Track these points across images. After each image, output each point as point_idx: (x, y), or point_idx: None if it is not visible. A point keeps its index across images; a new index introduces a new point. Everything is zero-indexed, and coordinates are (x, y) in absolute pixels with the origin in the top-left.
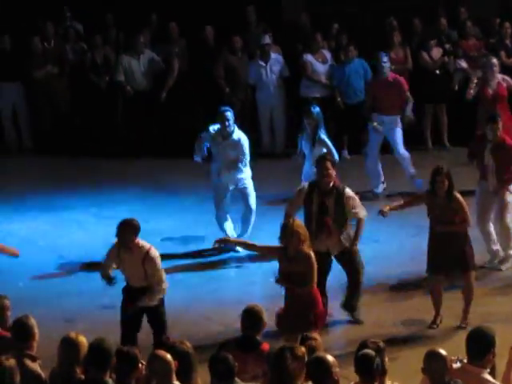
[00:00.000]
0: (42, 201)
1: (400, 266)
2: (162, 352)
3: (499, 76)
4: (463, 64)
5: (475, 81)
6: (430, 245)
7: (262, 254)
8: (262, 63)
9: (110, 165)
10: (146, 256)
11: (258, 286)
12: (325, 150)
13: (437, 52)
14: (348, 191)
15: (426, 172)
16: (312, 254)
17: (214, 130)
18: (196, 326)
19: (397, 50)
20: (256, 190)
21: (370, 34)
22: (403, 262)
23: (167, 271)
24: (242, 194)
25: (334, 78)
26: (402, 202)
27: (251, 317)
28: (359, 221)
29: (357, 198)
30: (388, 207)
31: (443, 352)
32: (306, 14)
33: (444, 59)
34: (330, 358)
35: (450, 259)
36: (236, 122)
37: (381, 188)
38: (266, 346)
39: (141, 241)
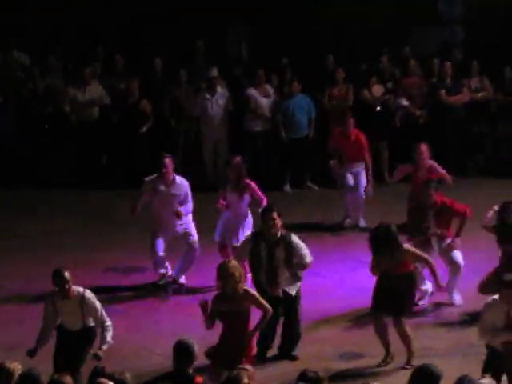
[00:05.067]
0: None
1: (341, 299)
2: (104, 380)
3: (428, 162)
4: (404, 102)
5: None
6: (376, 287)
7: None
8: (208, 96)
9: (53, 195)
10: (83, 300)
11: (198, 318)
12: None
13: (377, 89)
14: (295, 239)
15: (369, 209)
16: (249, 289)
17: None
18: (136, 356)
19: (340, 87)
20: (199, 224)
21: (313, 70)
22: (343, 294)
23: (108, 302)
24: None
25: (278, 112)
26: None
27: (182, 351)
28: (304, 266)
29: (302, 244)
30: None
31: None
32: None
33: (384, 97)
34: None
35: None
36: (179, 153)
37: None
38: (199, 380)
39: (74, 287)
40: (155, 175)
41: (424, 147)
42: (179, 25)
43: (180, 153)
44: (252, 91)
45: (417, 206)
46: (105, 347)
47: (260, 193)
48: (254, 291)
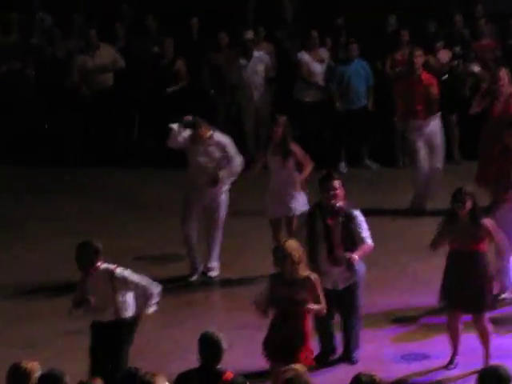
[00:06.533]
0: None
1: (401, 293)
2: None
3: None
4: (475, 68)
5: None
6: (446, 272)
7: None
8: (243, 62)
9: (78, 174)
10: (112, 276)
11: (241, 312)
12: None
13: (444, 55)
14: (358, 217)
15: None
16: (312, 277)
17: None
18: (171, 356)
19: (404, 51)
20: (239, 205)
21: (371, 32)
22: (404, 288)
23: None
24: (214, 209)
25: (333, 80)
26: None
27: (209, 346)
28: (365, 247)
29: (365, 224)
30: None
31: None
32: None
33: (453, 63)
34: None
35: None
36: (220, 127)
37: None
38: (229, 375)
39: (104, 264)
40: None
41: (503, 72)
42: None
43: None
44: (304, 56)
45: (503, 152)
46: (149, 310)
47: (305, 158)
48: (317, 281)
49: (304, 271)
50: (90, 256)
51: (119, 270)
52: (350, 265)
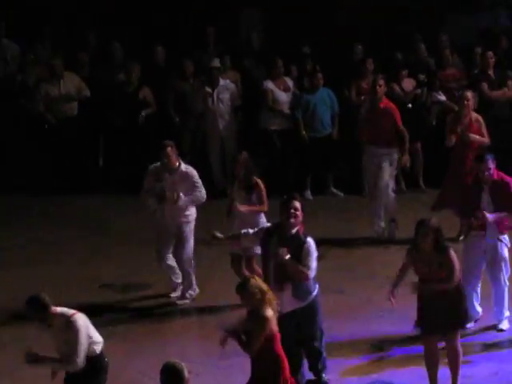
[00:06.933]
0: None
1: (366, 321)
2: None
3: (474, 114)
4: (441, 97)
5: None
6: (420, 303)
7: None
8: (209, 90)
9: (45, 202)
10: (68, 322)
11: (208, 340)
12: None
13: (409, 83)
14: (310, 244)
15: (400, 218)
16: (267, 316)
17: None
18: None
19: (369, 80)
20: (206, 233)
21: (339, 61)
22: (370, 316)
23: (106, 323)
24: (182, 239)
25: (298, 108)
26: (397, 276)
27: (171, 376)
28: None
29: (315, 254)
30: (392, 295)
31: None
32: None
33: (417, 91)
34: None
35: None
36: (186, 155)
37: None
38: None
39: (59, 309)
40: (159, 163)
41: (469, 93)
42: (184, 10)
43: (187, 156)
44: (269, 84)
45: (474, 183)
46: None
47: (263, 199)
48: (267, 324)
49: (266, 309)
50: (39, 313)
51: (75, 319)
52: (295, 290)
